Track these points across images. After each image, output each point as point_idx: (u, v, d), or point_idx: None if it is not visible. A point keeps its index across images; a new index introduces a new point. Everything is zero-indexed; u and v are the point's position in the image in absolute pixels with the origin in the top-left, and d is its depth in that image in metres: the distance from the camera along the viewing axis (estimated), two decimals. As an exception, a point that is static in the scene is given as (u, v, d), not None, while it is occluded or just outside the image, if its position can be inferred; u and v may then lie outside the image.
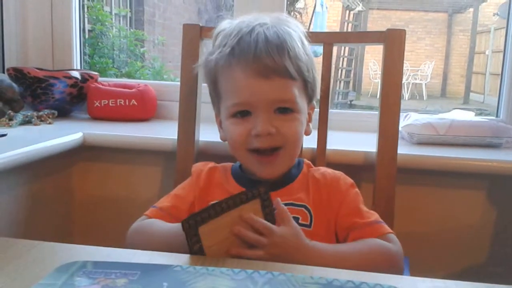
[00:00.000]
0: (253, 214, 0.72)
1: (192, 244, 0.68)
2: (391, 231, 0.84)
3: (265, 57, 0.81)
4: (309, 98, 0.91)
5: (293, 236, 0.75)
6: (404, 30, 1.07)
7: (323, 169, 0.93)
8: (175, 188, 0.96)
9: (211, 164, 0.96)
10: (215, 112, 0.95)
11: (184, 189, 0.93)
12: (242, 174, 0.92)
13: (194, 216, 0.69)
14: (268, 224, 0.73)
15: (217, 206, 0.70)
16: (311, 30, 2.13)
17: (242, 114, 0.84)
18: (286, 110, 0.84)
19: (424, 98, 9.16)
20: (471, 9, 9.68)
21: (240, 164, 0.93)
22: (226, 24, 0.90)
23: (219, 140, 1.18)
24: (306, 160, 0.96)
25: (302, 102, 0.87)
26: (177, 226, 0.72)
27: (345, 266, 0.67)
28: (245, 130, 0.84)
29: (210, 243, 0.69)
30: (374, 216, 0.86)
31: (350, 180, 0.91)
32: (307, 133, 0.93)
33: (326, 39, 1.12)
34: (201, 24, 1.13)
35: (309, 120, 0.93)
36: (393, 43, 1.07)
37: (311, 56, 0.90)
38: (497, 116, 1.53)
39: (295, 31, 0.88)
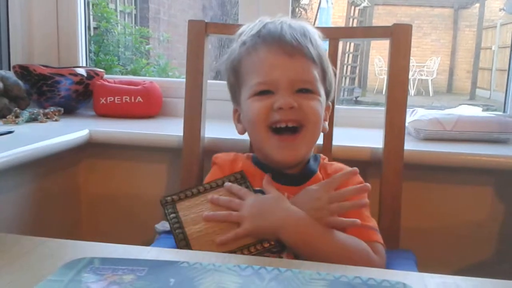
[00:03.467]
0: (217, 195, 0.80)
1: (169, 216, 0.77)
2: (381, 241, 0.85)
3: (289, 38, 0.85)
4: (327, 91, 0.92)
5: (268, 200, 0.81)
6: (410, 25, 1.07)
7: (336, 164, 0.95)
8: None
9: (233, 154, 0.96)
10: (234, 105, 0.96)
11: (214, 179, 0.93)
12: (263, 164, 0.91)
13: (172, 194, 0.77)
14: (232, 198, 0.80)
15: (195, 188, 0.78)
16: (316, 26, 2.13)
17: (265, 93, 0.86)
18: (307, 90, 0.86)
19: (430, 94, 9.11)
20: (477, 4, 9.61)
21: (256, 157, 0.93)
22: (244, 26, 0.95)
23: (225, 136, 1.18)
24: (322, 155, 0.97)
25: (321, 89, 0.89)
26: None
27: (321, 249, 0.75)
28: (268, 104, 0.85)
29: (188, 221, 0.77)
30: (372, 222, 0.88)
31: (360, 179, 0.91)
32: (324, 130, 0.94)
33: (332, 34, 1.12)
34: (206, 21, 1.12)
35: (325, 118, 0.94)
36: (399, 38, 1.06)
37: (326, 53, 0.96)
38: (504, 111, 1.52)
39: (312, 28, 0.93)
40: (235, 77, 0.92)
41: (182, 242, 0.76)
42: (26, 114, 1.31)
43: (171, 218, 0.76)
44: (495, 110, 1.59)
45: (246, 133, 0.96)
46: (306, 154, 0.89)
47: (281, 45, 0.86)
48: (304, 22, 0.92)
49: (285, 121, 0.84)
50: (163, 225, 1.06)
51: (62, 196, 1.31)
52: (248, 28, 0.92)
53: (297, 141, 0.85)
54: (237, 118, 0.95)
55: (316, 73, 0.88)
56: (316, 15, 7.60)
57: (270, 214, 0.78)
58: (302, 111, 0.84)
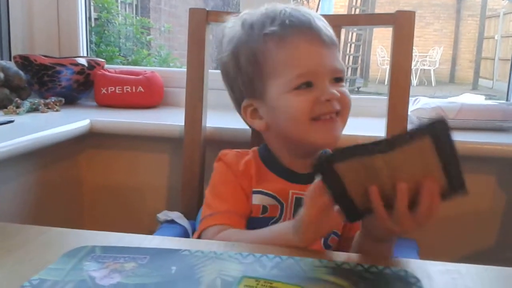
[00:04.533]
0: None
1: (330, 183, 0.60)
2: None
3: (322, 28, 0.83)
4: None
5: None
6: (414, 12, 1.06)
7: None
8: (211, 186, 0.89)
9: (237, 151, 0.91)
10: (246, 102, 0.88)
11: (228, 183, 0.87)
12: (272, 160, 0.88)
13: (330, 154, 0.59)
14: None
15: (364, 146, 0.57)
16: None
17: (304, 85, 0.81)
18: (340, 79, 0.85)
19: (433, 84, 9.08)
20: (480, -6, 9.57)
21: (267, 152, 0.89)
22: (246, 15, 0.88)
23: (227, 126, 1.18)
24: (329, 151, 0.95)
25: None
26: (285, 227, 0.71)
27: None
28: (311, 97, 0.81)
29: (349, 178, 0.59)
30: None
31: None
32: None
33: (334, 22, 1.10)
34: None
35: None
36: (402, 25, 1.05)
37: None
38: (507, 100, 1.51)
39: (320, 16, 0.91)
40: (255, 71, 0.84)
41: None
42: (27, 104, 1.31)
43: (335, 191, 0.60)
44: (498, 99, 1.58)
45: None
46: (340, 138, 0.87)
47: (315, 35, 0.82)
48: (309, 9, 0.89)
49: (330, 112, 0.82)
50: (165, 215, 1.06)
51: (63, 186, 1.31)
52: (260, 16, 0.85)
53: (338, 124, 0.84)
54: (252, 114, 0.88)
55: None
56: (318, 4, 7.56)
57: None
58: (341, 100, 0.83)
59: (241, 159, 0.89)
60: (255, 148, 0.92)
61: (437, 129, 0.56)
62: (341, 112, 0.84)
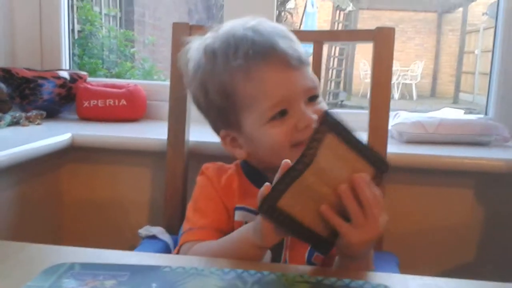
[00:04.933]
0: (362, 174, 0.61)
1: (280, 223, 0.61)
2: None
3: (286, 48, 0.79)
4: None
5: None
6: (393, 28, 1.08)
7: None
8: (193, 201, 0.88)
9: (220, 164, 0.91)
10: (223, 133, 0.86)
11: (209, 198, 0.86)
12: (255, 173, 0.87)
13: (268, 195, 0.60)
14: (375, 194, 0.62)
15: (291, 170, 0.59)
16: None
17: (281, 114, 0.79)
18: (314, 97, 0.82)
19: (414, 98, 9.20)
20: (461, 9, 9.75)
21: (250, 166, 0.88)
22: (209, 40, 0.84)
23: (210, 140, 1.17)
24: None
25: None
26: (245, 230, 0.71)
27: None
28: (289, 126, 0.78)
29: (296, 208, 0.60)
30: None
31: None
32: None
33: (316, 38, 1.12)
34: (191, 24, 1.12)
35: None
36: (382, 41, 1.07)
37: None
38: (486, 114, 1.54)
39: (285, 28, 0.87)
40: (226, 103, 0.82)
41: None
42: (8, 117, 1.30)
43: (287, 226, 0.61)
44: (478, 113, 1.61)
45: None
46: None
47: (281, 60, 0.79)
48: (272, 22, 0.85)
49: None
50: (147, 230, 1.05)
51: (44, 201, 1.29)
52: (222, 44, 0.81)
53: None
54: (231, 142, 0.86)
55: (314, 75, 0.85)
56: (302, 19, 7.64)
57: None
58: None
59: (223, 173, 0.88)
60: (238, 162, 0.91)
61: (332, 123, 0.60)
62: None
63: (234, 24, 0.84)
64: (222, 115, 0.84)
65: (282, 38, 0.81)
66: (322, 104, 0.84)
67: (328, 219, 0.62)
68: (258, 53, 0.78)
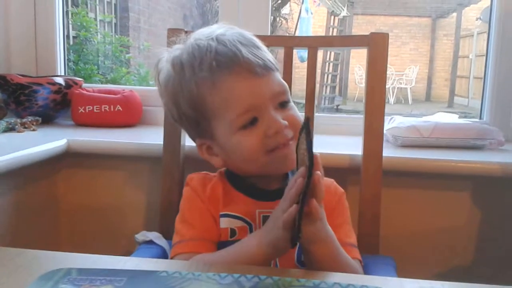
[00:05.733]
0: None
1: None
2: (360, 258, 0.86)
3: (251, 56, 0.79)
4: None
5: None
6: (387, 34, 1.08)
7: None
8: (181, 213, 0.88)
9: (203, 174, 0.91)
10: (199, 141, 0.88)
11: (196, 209, 0.87)
12: (239, 179, 0.88)
13: (294, 228, 0.68)
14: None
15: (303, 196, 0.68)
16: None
17: (251, 122, 0.79)
18: (284, 103, 0.82)
19: (409, 102, 9.23)
20: (454, 14, 9.80)
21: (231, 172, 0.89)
22: (177, 52, 0.85)
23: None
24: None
25: None
26: (254, 244, 0.74)
27: (334, 262, 0.74)
28: (260, 134, 0.79)
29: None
30: (353, 238, 0.88)
31: (341, 190, 0.91)
32: None
33: (310, 43, 1.13)
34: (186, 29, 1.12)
35: None
36: (376, 46, 1.08)
37: None
38: (480, 118, 1.55)
39: (250, 34, 0.87)
40: (197, 113, 0.83)
41: None
42: (3, 124, 1.30)
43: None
44: (473, 117, 1.62)
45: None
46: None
47: (246, 68, 0.79)
48: (238, 30, 0.85)
49: (283, 143, 0.80)
50: (144, 235, 1.05)
51: (40, 207, 1.29)
52: (188, 56, 0.82)
53: (292, 148, 0.80)
54: (207, 151, 0.87)
55: (282, 80, 0.85)
56: (297, 24, 7.66)
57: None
58: (291, 126, 0.81)
59: (208, 182, 0.88)
60: (222, 170, 0.91)
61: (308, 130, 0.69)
62: (295, 135, 0.81)
63: (200, 34, 0.85)
64: (194, 125, 0.86)
65: (245, 46, 0.81)
66: (293, 109, 0.84)
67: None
68: (222, 63, 0.79)
